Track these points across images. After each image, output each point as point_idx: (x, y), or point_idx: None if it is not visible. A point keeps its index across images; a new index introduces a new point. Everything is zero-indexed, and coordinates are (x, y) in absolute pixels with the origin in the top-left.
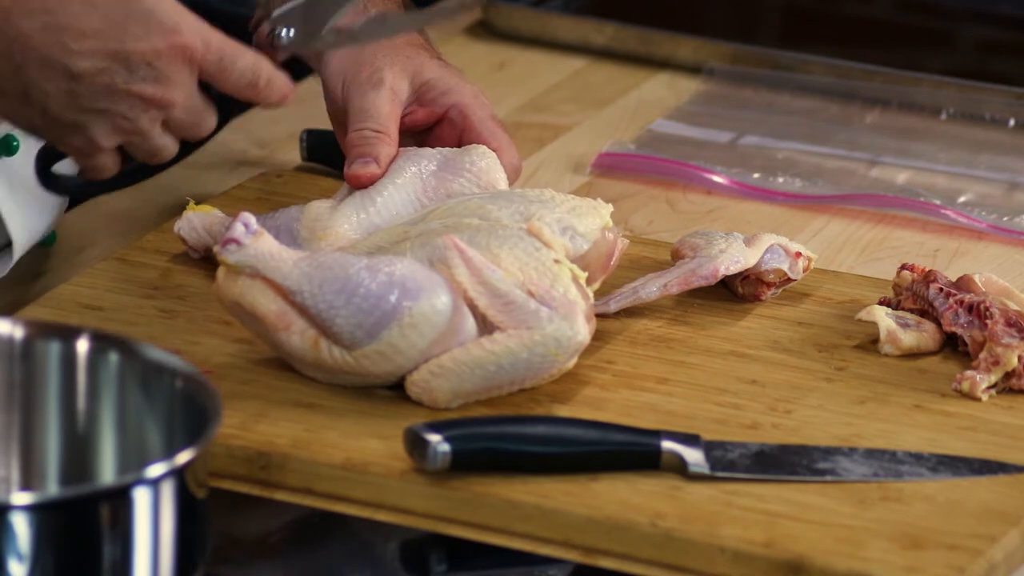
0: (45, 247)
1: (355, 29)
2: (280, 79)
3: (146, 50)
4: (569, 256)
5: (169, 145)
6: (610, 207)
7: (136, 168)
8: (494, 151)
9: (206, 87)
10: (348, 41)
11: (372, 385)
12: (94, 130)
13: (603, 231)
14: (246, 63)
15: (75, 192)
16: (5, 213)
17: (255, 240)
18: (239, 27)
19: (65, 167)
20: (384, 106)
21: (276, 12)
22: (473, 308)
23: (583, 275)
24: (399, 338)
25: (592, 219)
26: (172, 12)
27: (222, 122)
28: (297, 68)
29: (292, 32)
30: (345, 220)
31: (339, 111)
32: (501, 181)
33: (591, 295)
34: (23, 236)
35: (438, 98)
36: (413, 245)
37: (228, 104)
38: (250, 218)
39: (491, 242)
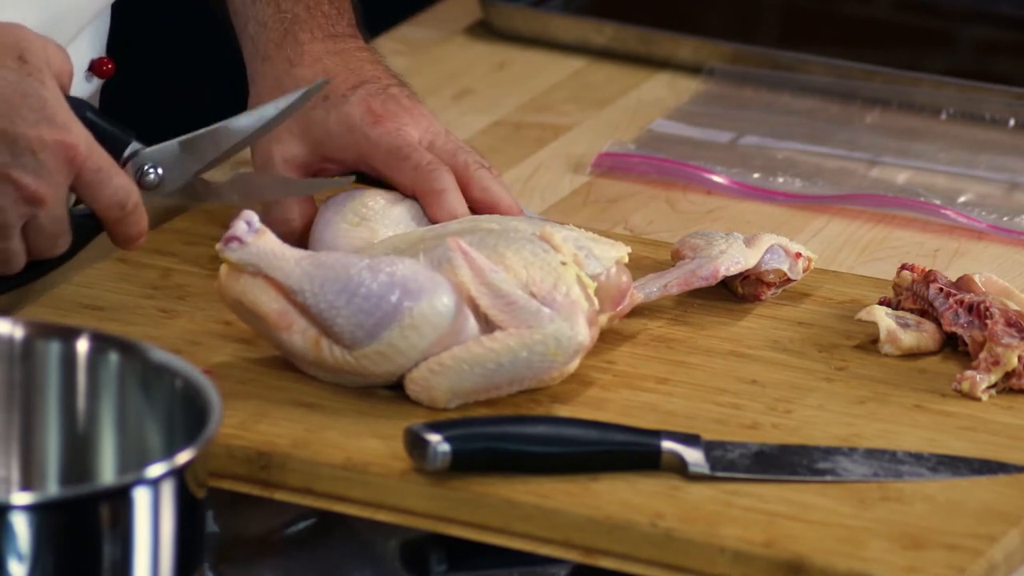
0: None
1: (220, 184)
2: (143, 215)
3: (34, 137)
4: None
5: (19, 255)
6: (628, 248)
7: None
8: (421, 196)
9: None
10: (209, 196)
11: (373, 385)
12: None
13: (618, 265)
14: (121, 182)
15: None
16: None
17: (257, 238)
18: (113, 152)
19: None
20: None
21: (150, 149)
22: (475, 309)
23: (592, 284)
24: (399, 339)
25: (609, 249)
26: (64, 111)
27: (55, 264)
28: None
29: (160, 171)
30: (392, 223)
31: None
32: None
33: (596, 302)
34: None
35: (340, 157)
36: (426, 247)
37: (80, 238)
38: (253, 216)
39: (499, 243)
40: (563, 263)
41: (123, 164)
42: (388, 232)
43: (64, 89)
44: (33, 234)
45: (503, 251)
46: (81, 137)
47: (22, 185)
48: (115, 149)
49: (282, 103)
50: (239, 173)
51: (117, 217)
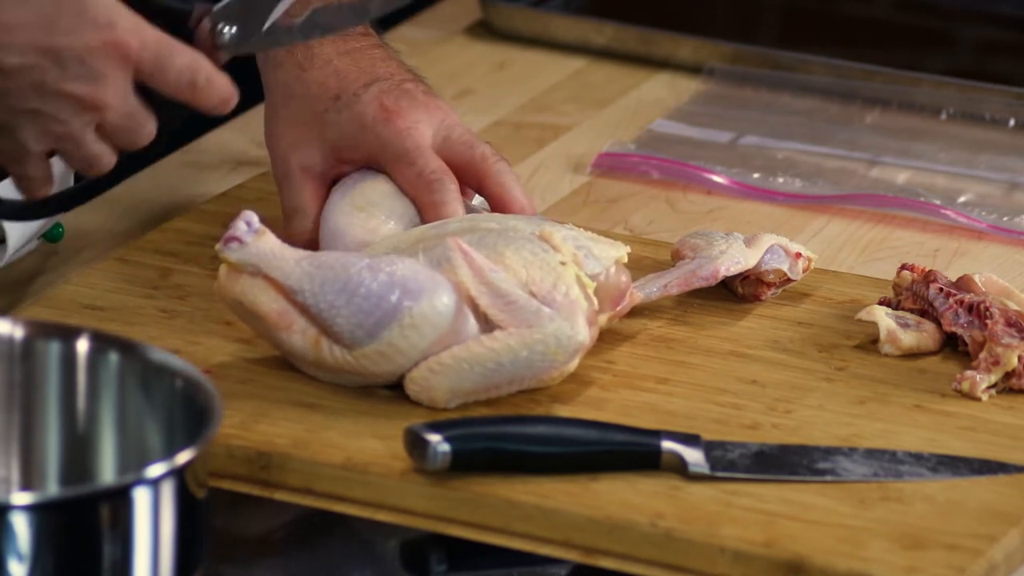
0: (52, 242)
1: (296, 25)
2: (221, 80)
3: (78, 46)
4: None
5: (105, 154)
6: (628, 248)
7: (81, 187)
8: (420, 205)
9: (148, 94)
10: (289, 39)
11: (373, 384)
12: (23, 132)
13: (617, 264)
14: (184, 61)
15: (16, 215)
16: None
17: (257, 239)
18: (177, 22)
19: (10, 191)
20: (298, 196)
21: (216, 7)
22: (475, 308)
23: (591, 283)
24: (399, 338)
25: (608, 248)
26: (106, 6)
27: (169, 139)
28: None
29: (233, 29)
30: (398, 213)
31: None
32: None
33: (596, 302)
34: (17, 228)
35: (354, 157)
36: (425, 247)
37: (169, 113)
38: (252, 216)
39: (499, 242)
40: (562, 263)
41: (194, 28)
42: (392, 221)
43: None
44: (109, 133)
45: (503, 251)
46: (129, 30)
47: (78, 96)
48: (179, 19)
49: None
50: (314, 9)
51: (192, 96)
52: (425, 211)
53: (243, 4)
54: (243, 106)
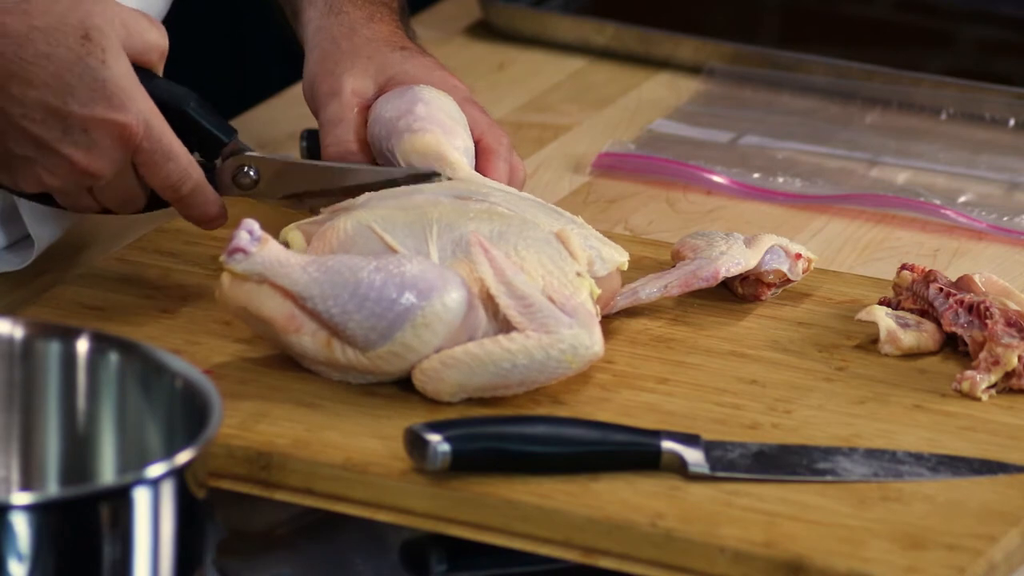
0: None
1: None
2: (205, 198)
3: (85, 116)
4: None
5: (93, 206)
6: (627, 255)
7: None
8: (476, 138)
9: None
10: (294, 206)
11: (383, 380)
12: (18, 175)
13: (617, 270)
14: (177, 166)
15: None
16: (23, 208)
17: (261, 247)
18: (209, 145)
19: None
20: (345, 110)
21: (255, 153)
22: (486, 303)
23: (598, 292)
24: (413, 338)
25: (613, 253)
26: (126, 89)
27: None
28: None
29: (255, 176)
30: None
31: None
32: None
33: (599, 311)
34: (43, 229)
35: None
36: (441, 224)
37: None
38: (253, 225)
39: (519, 242)
40: (579, 274)
41: (223, 159)
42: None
43: (150, 66)
44: (100, 196)
45: (523, 252)
46: (138, 115)
47: (73, 160)
48: (213, 144)
49: (400, 170)
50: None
51: (172, 198)
52: (487, 159)
53: (279, 165)
54: (240, 108)
